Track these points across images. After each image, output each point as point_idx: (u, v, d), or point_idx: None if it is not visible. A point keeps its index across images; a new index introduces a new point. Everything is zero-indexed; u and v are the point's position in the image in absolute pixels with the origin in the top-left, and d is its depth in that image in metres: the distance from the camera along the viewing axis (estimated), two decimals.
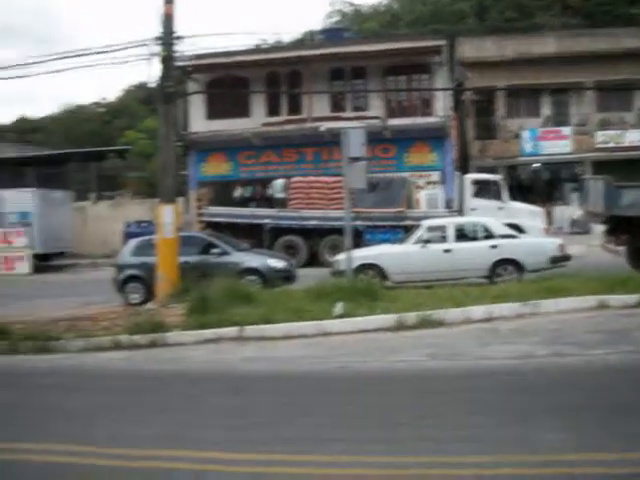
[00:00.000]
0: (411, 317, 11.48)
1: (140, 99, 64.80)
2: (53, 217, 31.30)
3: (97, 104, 72.79)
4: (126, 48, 16.49)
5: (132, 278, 17.27)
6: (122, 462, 5.88)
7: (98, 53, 16.86)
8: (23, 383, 9.61)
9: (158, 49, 15.98)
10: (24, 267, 30.08)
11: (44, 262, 31.44)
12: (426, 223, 17.79)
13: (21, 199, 31.08)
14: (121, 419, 7.31)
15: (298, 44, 45.33)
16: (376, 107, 31.86)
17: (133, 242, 18.61)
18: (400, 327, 11.30)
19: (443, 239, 16.95)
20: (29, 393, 8.83)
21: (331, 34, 39.28)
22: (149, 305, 15.45)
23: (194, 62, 29.07)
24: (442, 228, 17.26)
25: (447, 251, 16.57)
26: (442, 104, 31.27)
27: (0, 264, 30.38)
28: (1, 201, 31.20)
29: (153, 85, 22.90)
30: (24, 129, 71.34)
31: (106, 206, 37.17)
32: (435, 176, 30.97)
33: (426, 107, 32.18)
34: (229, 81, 33.21)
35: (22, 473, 5.85)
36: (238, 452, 5.95)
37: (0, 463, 6.01)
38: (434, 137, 30.88)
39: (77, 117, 68.26)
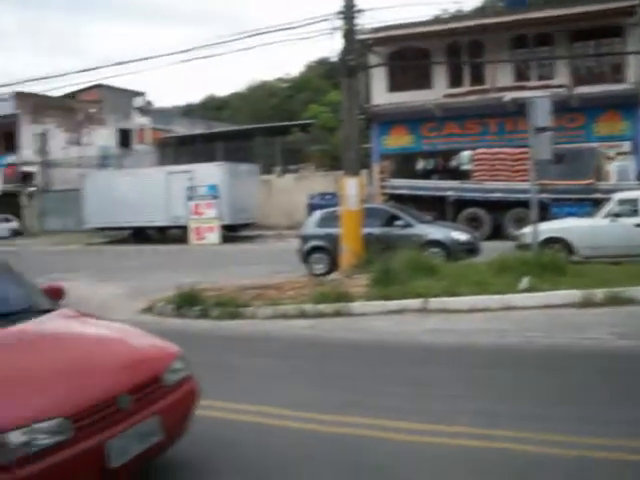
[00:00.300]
0: (599, 293, 11.11)
1: (322, 73, 65.90)
2: (240, 190, 32.54)
3: (280, 79, 74.73)
4: (309, 24, 16.90)
5: (316, 249, 17.66)
6: (303, 425, 6.12)
7: (282, 30, 17.36)
8: (212, 346, 10.10)
9: (340, 23, 16.23)
10: (214, 237, 31.63)
11: (231, 233, 32.87)
12: (617, 196, 17.01)
13: (211, 173, 32.54)
14: (305, 384, 7.60)
15: (479, 12, 44.35)
16: (562, 75, 30.65)
17: (318, 214, 18.98)
18: (587, 303, 10.96)
19: (635, 213, 16.16)
20: (221, 355, 9.28)
21: (513, 0, 38.08)
22: (333, 275, 15.73)
23: (375, 35, 29.16)
24: (634, 201, 16.44)
25: (639, 226, 15.83)
26: (635, 69, 29.57)
27: (192, 234, 32.11)
28: (192, 175, 32.79)
29: (335, 59, 23.24)
30: (212, 106, 74.67)
31: (290, 179, 38.19)
32: (626, 146, 29.42)
33: (616, 73, 30.57)
34: (410, 53, 33.02)
35: (217, 429, 6.11)
36: (419, 422, 6.04)
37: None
38: (625, 105, 29.26)
39: (261, 93, 70.41)
